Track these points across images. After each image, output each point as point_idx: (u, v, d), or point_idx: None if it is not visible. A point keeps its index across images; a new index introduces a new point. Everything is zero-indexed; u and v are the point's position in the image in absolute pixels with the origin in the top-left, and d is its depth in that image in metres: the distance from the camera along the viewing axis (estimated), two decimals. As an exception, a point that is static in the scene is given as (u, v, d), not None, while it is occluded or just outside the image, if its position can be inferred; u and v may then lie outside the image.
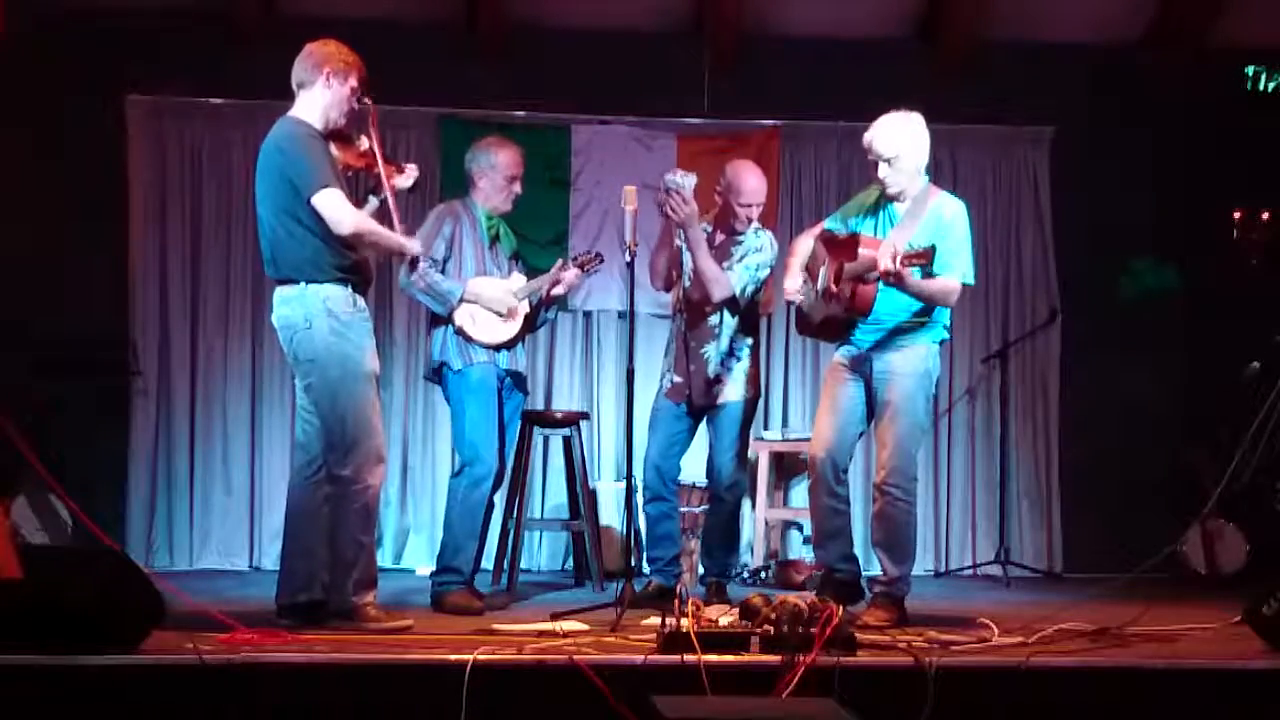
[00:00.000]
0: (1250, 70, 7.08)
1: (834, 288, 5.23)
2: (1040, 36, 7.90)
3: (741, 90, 7.84)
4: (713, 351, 5.94)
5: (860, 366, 5.35)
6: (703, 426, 6.08)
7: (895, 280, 4.99)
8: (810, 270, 5.44)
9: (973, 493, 7.97)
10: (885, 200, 5.37)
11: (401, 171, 5.28)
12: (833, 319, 5.36)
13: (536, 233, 7.44)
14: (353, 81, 5.02)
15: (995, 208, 8.08)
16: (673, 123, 7.88)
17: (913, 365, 5.26)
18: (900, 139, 5.24)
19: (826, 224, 5.56)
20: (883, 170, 5.25)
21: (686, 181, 5.71)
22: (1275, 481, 6.91)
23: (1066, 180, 8.04)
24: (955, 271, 5.19)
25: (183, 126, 7.68)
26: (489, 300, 5.80)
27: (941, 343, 5.41)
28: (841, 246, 5.28)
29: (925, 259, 4.95)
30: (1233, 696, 4.21)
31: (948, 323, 5.41)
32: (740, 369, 5.95)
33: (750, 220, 5.95)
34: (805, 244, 5.56)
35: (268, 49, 6.94)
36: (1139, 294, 7.88)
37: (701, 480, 6.68)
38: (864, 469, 7.24)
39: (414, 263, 5.46)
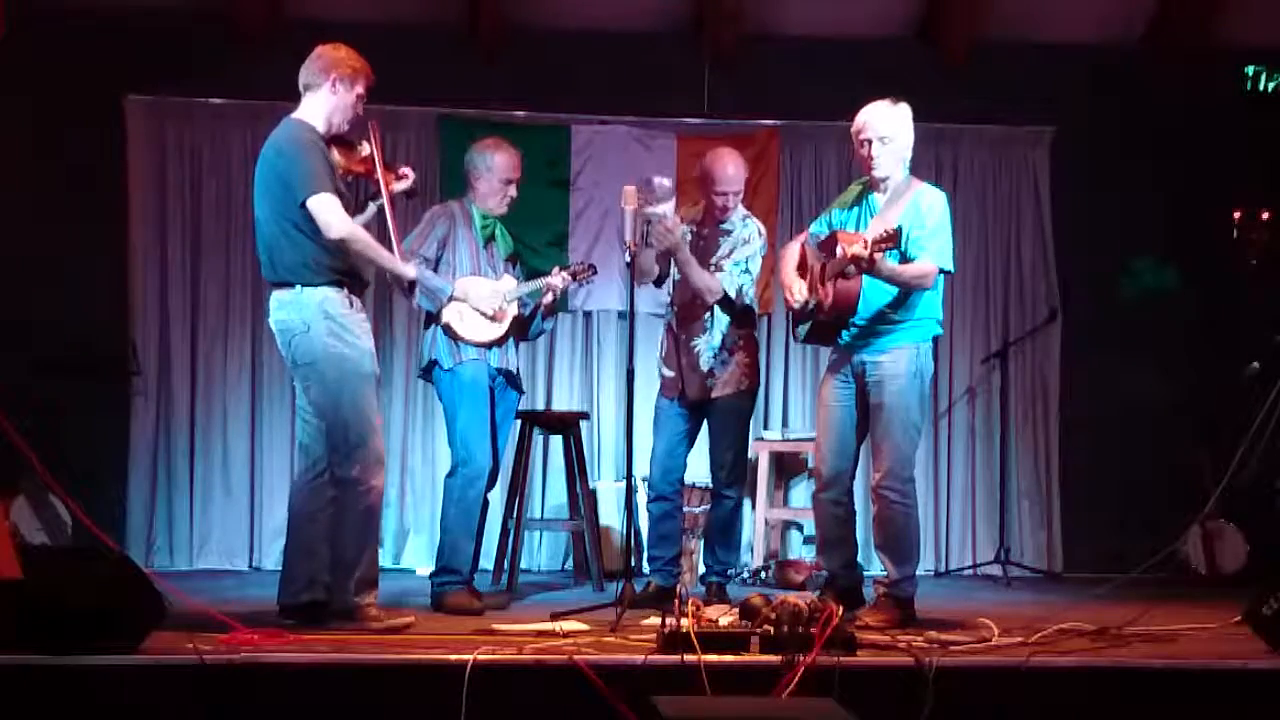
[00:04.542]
0: (1250, 70, 7.07)
1: (820, 288, 5.23)
2: (1040, 36, 7.90)
3: (741, 90, 7.84)
4: (704, 344, 5.91)
5: (851, 373, 5.33)
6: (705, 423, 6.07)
7: (868, 266, 4.99)
8: (803, 277, 5.43)
9: (973, 493, 7.97)
10: (866, 192, 5.38)
11: (400, 177, 5.28)
12: (824, 321, 5.34)
13: (536, 233, 7.44)
14: (359, 88, 5.02)
15: (995, 207, 8.09)
16: (672, 123, 7.87)
17: (903, 366, 5.23)
18: (894, 120, 5.28)
19: (811, 229, 5.56)
20: (875, 149, 5.25)
21: (666, 209, 5.70)
22: (1275, 481, 6.91)
23: (1066, 180, 8.04)
24: (930, 254, 5.17)
25: (183, 127, 7.68)
26: (476, 299, 5.79)
27: (935, 339, 5.39)
28: (824, 248, 5.29)
29: (893, 241, 4.97)
30: (1233, 696, 4.21)
31: (939, 316, 5.37)
32: (734, 361, 5.92)
33: (726, 209, 5.92)
34: (792, 250, 5.53)
35: (268, 49, 6.98)
36: (1139, 293, 7.88)
37: (701, 480, 6.67)
38: (865, 472, 7.21)
39: (412, 286, 5.52)
